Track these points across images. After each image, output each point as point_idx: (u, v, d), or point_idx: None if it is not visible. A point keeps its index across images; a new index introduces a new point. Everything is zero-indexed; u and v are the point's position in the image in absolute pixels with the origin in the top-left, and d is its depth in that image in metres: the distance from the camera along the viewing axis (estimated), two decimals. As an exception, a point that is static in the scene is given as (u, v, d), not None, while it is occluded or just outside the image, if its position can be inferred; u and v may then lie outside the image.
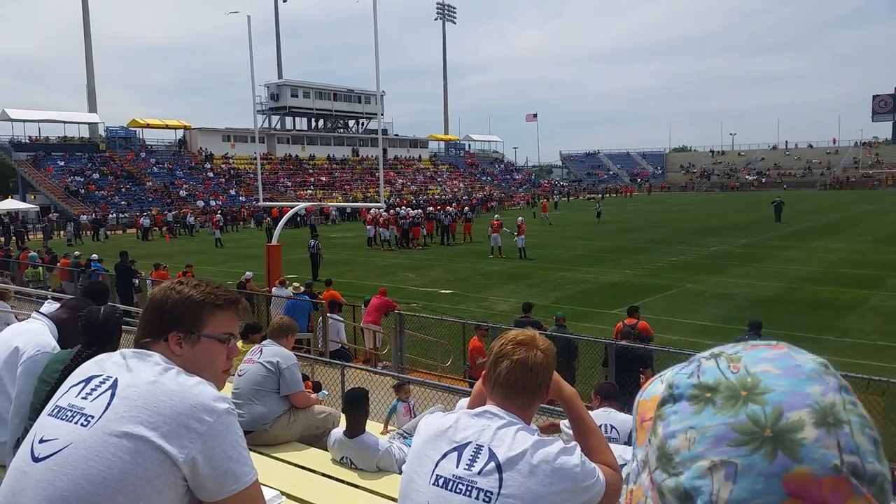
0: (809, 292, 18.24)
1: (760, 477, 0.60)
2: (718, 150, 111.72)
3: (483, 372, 1.96)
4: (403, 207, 38.80)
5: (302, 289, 14.76)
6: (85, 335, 2.97)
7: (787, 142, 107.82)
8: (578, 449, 1.80)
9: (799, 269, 21.94)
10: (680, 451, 0.65)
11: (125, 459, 1.49)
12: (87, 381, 1.66)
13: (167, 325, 1.72)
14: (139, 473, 1.49)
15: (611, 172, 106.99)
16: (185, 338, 1.72)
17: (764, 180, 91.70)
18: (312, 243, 23.59)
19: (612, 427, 4.46)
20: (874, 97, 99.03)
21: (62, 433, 1.56)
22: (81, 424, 1.56)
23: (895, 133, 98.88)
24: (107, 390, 1.61)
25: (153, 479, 1.50)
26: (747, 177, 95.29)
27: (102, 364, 1.70)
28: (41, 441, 1.57)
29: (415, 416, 6.62)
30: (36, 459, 1.54)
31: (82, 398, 1.62)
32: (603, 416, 4.60)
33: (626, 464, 2.99)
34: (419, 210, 36.56)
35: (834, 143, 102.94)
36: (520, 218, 27.99)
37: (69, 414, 1.60)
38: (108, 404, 1.57)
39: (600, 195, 71.86)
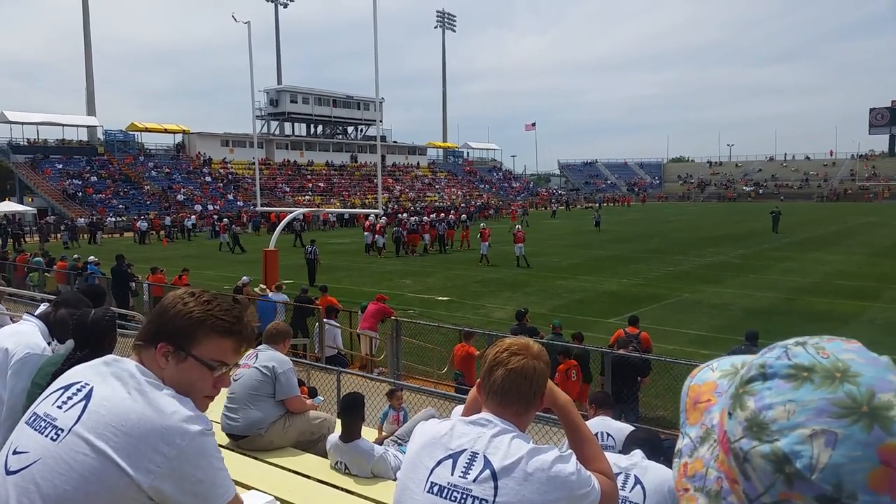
0: (806, 303, 18.26)
1: (858, 445, 0.69)
2: (716, 161, 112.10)
3: (478, 380, 1.95)
4: (404, 214, 38.67)
5: (268, 291, 14.88)
6: (75, 337, 2.96)
7: (785, 153, 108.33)
8: (574, 457, 1.80)
9: (795, 280, 21.97)
10: (777, 421, 0.73)
11: (90, 479, 1.46)
12: (67, 387, 1.62)
13: (161, 333, 1.66)
14: (104, 494, 1.46)
15: (608, 182, 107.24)
16: (172, 352, 1.64)
17: (761, 191, 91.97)
18: (310, 249, 23.48)
19: (609, 435, 4.45)
20: (871, 110, 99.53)
21: (33, 446, 1.53)
22: (51, 438, 1.52)
23: (892, 146, 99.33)
24: (80, 401, 1.56)
25: (118, 501, 1.47)
26: (744, 188, 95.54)
27: (85, 371, 1.65)
28: (15, 452, 1.55)
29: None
30: (8, 472, 1.52)
31: (57, 407, 1.58)
32: (599, 424, 4.59)
33: (620, 472, 2.97)
34: (416, 217, 36.49)
35: (831, 155, 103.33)
36: (517, 226, 27.93)
37: (42, 424, 1.56)
38: (79, 418, 1.53)
39: (597, 204, 72.02)
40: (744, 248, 31.67)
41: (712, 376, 0.91)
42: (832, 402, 0.71)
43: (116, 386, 1.57)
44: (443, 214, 38.61)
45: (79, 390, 1.59)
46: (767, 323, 14.97)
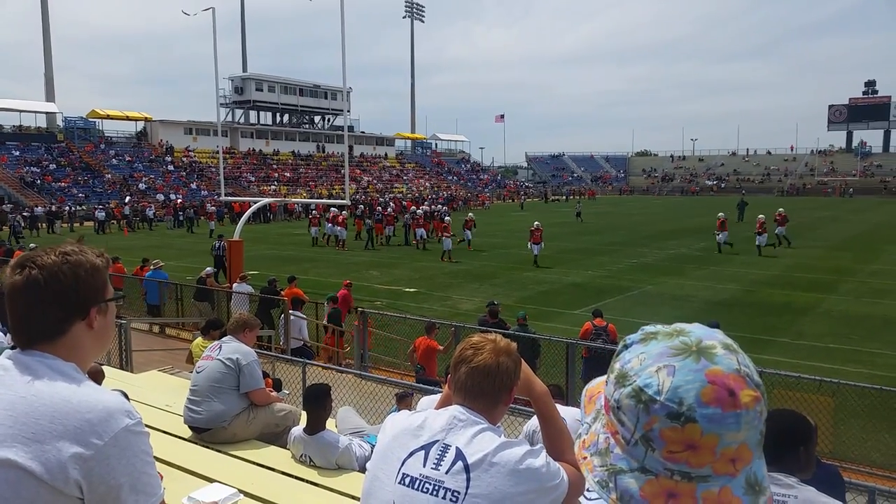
0: (765, 295, 18.67)
1: (690, 372, 0.91)
2: (679, 155, 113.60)
3: (449, 374, 1.95)
4: (420, 208, 37.20)
5: (161, 264, 15.07)
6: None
7: (747, 149, 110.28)
8: (544, 451, 1.81)
9: (755, 273, 22.43)
10: (634, 368, 0.95)
11: (6, 497, 1.30)
12: None
13: (85, 302, 1.52)
14: None
15: (575, 175, 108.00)
16: (100, 310, 1.55)
17: (723, 185, 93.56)
18: (217, 244, 22.28)
19: (563, 418, 4.52)
20: (830, 107, 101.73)
21: None
22: None
23: (849, 142, 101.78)
24: None
25: None
26: (707, 182, 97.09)
27: None
28: None
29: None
30: None
31: None
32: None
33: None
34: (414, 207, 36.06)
35: (791, 150, 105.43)
36: (536, 223, 26.83)
37: None
38: None
39: (565, 196, 72.47)
40: (706, 240, 32.20)
41: (602, 379, 1.11)
42: (671, 347, 0.94)
43: (16, 385, 1.40)
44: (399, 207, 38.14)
45: None
46: (728, 314, 15.27)
